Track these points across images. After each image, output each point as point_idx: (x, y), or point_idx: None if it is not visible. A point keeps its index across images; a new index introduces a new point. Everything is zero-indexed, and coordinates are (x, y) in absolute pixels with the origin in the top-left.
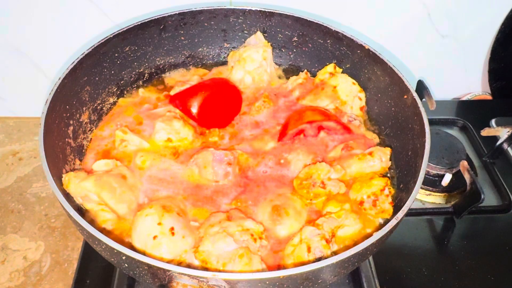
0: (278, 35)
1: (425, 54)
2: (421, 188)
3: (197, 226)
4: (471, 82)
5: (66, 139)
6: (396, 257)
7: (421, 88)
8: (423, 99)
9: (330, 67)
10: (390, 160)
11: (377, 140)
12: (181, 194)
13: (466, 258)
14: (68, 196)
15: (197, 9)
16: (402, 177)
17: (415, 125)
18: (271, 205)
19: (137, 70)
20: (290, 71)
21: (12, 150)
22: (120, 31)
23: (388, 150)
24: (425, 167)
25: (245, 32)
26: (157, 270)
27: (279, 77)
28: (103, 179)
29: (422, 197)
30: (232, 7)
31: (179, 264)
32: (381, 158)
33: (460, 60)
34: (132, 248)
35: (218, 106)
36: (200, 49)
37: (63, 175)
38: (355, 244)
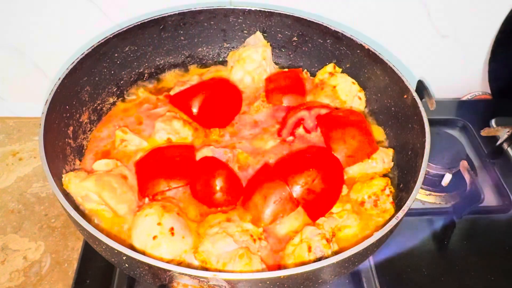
0: (277, 35)
1: (425, 54)
2: (421, 188)
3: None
4: (471, 82)
5: (66, 139)
6: (396, 257)
7: (421, 88)
8: (423, 99)
9: (329, 67)
10: (392, 161)
11: (383, 137)
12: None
13: (466, 258)
14: (68, 196)
15: (197, 9)
16: (402, 177)
17: (415, 125)
18: None
19: (137, 70)
20: None
21: (12, 150)
22: (120, 31)
23: (390, 151)
24: (425, 167)
25: (245, 32)
26: (158, 270)
27: None
28: (103, 179)
29: (422, 197)
30: (232, 7)
31: (179, 264)
32: (384, 159)
33: (460, 60)
34: (132, 248)
35: (218, 106)
36: (200, 49)
37: (63, 175)
38: (356, 244)
